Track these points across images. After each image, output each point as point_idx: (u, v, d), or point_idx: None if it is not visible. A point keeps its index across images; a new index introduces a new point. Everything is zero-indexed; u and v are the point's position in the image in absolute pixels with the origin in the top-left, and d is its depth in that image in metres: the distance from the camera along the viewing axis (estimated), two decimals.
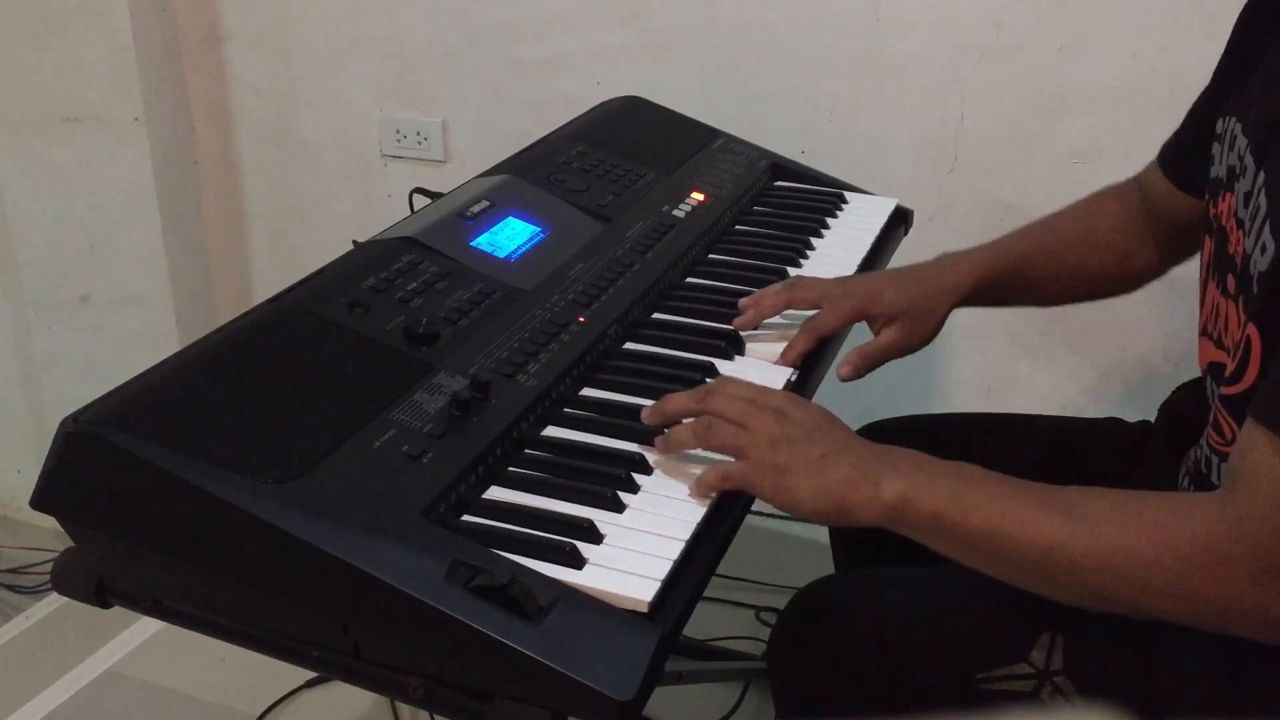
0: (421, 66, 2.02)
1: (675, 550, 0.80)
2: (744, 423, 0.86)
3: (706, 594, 0.84)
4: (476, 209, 1.17)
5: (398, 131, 2.06)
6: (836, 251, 1.32)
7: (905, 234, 1.46)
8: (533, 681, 0.70)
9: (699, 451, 0.89)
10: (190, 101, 2.17)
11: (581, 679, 0.69)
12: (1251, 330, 0.83)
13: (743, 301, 1.12)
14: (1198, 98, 1.11)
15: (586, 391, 1.00)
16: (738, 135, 1.56)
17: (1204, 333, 0.98)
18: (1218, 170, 0.97)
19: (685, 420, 0.90)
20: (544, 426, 0.94)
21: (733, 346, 1.08)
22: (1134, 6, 1.59)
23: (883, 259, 1.37)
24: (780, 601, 1.15)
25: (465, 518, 0.83)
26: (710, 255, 1.29)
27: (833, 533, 1.28)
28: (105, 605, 0.88)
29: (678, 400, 0.91)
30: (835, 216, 1.42)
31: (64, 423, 0.80)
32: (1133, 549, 0.77)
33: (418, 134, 2.05)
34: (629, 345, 1.09)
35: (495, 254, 1.12)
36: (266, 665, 0.86)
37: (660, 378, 1.02)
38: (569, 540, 0.79)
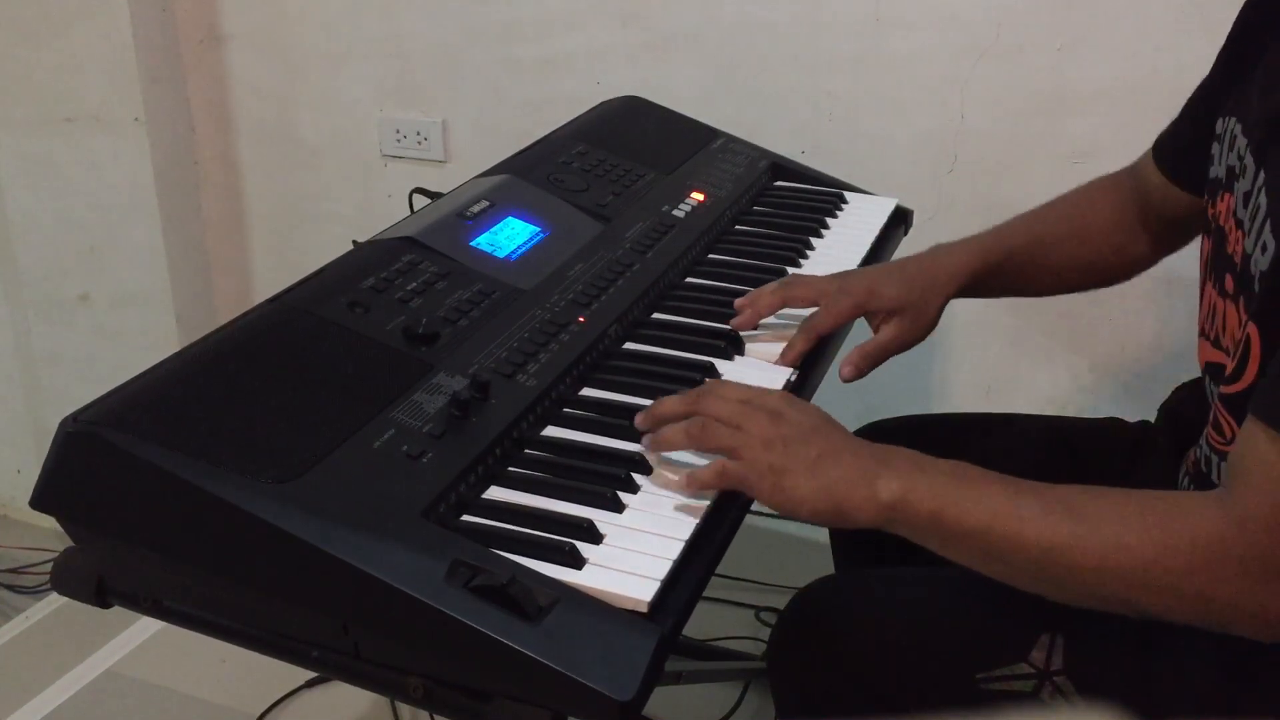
0: (421, 66, 2.02)
1: (675, 550, 0.80)
2: (738, 423, 0.85)
3: (706, 594, 0.84)
4: (476, 209, 1.17)
5: (398, 131, 2.06)
6: (836, 251, 1.32)
7: (905, 234, 1.46)
8: (533, 681, 0.70)
9: (695, 457, 0.89)
10: (190, 101, 2.17)
11: (581, 679, 0.69)
12: (1251, 329, 0.83)
13: (739, 302, 1.11)
14: (1195, 91, 1.11)
15: (586, 391, 1.00)
16: (738, 135, 1.56)
17: (1202, 333, 0.98)
18: (1217, 171, 0.97)
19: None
20: (544, 426, 0.94)
21: (732, 346, 1.08)
22: (1134, 6, 1.59)
23: (883, 259, 1.37)
24: (780, 601, 1.15)
25: (465, 518, 0.83)
26: (710, 255, 1.29)
27: (833, 533, 1.28)
28: (105, 605, 0.88)
29: (670, 403, 0.90)
30: (835, 216, 1.42)
31: (64, 423, 0.80)
32: (1133, 548, 0.77)
33: (418, 134, 2.05)
34: (629, 345, 1.09)
35: (495, 254, 1.12)
36: (266, 665, 0.86)
37: (660, 378, 1.02)
38: (569, 540, 0.79)
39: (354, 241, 1.12)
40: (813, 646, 1.01)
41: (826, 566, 1.24)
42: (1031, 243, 1.19)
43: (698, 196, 1.36)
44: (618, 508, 0.84)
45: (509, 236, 1.15)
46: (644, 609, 0.75)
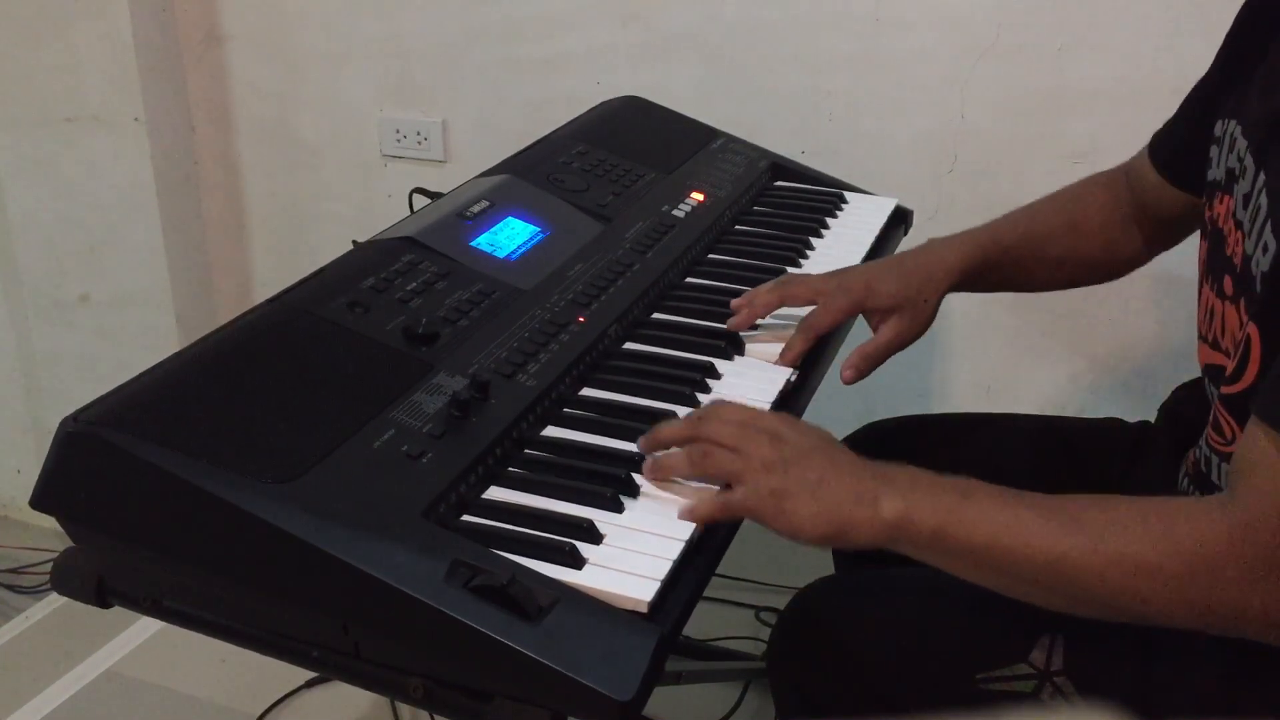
0: (421, 66, 2.02)
1: (675, 550, 0.80)
2: (738, 447, 0.85)
3: (706, 594, 0.84)
4: (476, 209, 1.17)
5: (398, 131, 2.06)
6: (836, 252, 1.32)
7: (905, 234, 1.46)
8: (533, 681, 0.70)
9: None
10: (190, 101, 2.17)
11: (581, 679, 0.69)
12: (1252, 329, 0.83)
13: (735, 302, 1.11)
14: (1192, 90, 1.11)
15: (586, 391, 1.00)
16: (738, 135, 1.56)
17: (1201, 335, 0.98)
18: (1215, 173, 0.97)
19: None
20: (544, 426, 0.94)
21: (732, 347, 1.08)
22: (1134, 7, 1.59)
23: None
24: (780, 601, 1.15)
25: (465, 518, 0.83)
26: (710, 255, 1.29)
27: None
28: (105, 605, 0.88)
29: (670, 429, 0.89)
30: (835, 216, 1.42)
31: (64, 423, 0.80)
32: (1137, 556, 0.77)
33: (418, 134, 2.05)
34: (629, 345, 1.09)
35: (495, 254, 1.12)
36: (266, 665, 0.86)
37: (660, 378, 1.02)
38: (569, 540, 0.79)
39: (354, 241, 1.12)
40: (813, 646, 1.01)
41: (826, 566, 1.24)
42: (1026, 238, 1.19)
43: (698, 196, 1.36)
44: (618, 508, 0.84)
45: (509, 236, 1.15)
46: (644, 609, 0.75)
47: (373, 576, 0.72)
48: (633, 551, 0.80)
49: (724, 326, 1.10)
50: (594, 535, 0.81)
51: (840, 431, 1.25)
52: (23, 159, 2.14)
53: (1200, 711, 0.86)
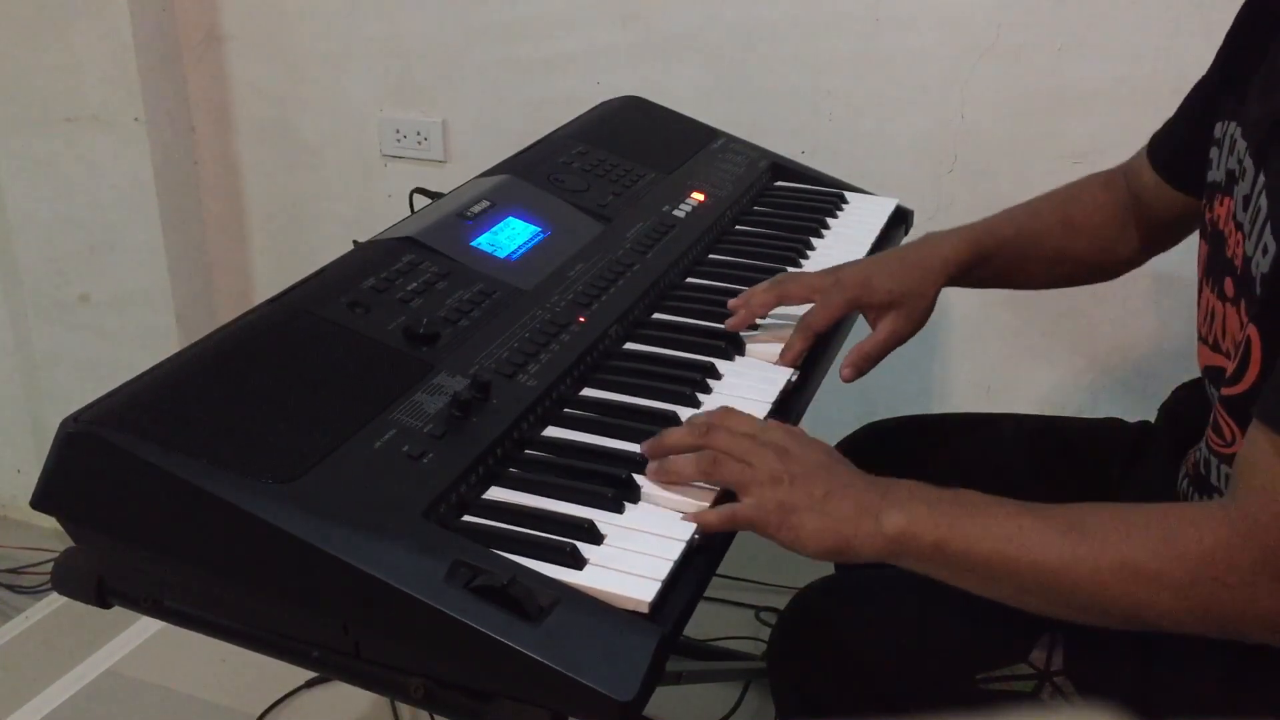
0: (421, 66, 2.02)
1: (676, 550, 0.80)
2: (747, 459, 0.85)
3: (706, 594, 0.84)
4: (476, 209, 1.17)
5: (398, 131, 2.06)
6: (837, 252, 1.32)
7: (905, 234, 1.46)
8: (533, 681, 0.70)
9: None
10: (190, 101, 2.17)
11: (582, 679, 0.69)
12: (1251, 331, 0.83)
13: (732, 302, 1.11)
14: (1191, 92, 1.11)
15: (587, 392, 1.00)
16: (738, 135, 1.56)
17: (1200, 337, 0.98)
18: (1215, 175, 0.97)
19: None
20: (544, 427, 0.94)
21: (733, 347, 1.08)
22: (1134, 7, 1.59)
23: None
24: (780, 601, 1.15)
25: (465, 518, 0.83)
26: (710, 255, 1.29)
27: None
28: (105, 605, 0.88)
29: (678, 435, 0.89)
30: (835, 216, 1.42)
31: (64, 423, 0.80)
32: (1138, 564, 0.77)
33: (418, 134, 2.05)
34: (629, 345, 1.09)
35: (495, 254, 1.12)
36: (266, 665, 0.86)
37: (660, 378, 1.02)
38: (569, 540, 0.79)
39: (354, 241, 1.12)
40: (813, 646, 1.01)
41: (826, 566, 1.24)
42: (1022, 233, 1.18)
43: (698, 196, 1.36)
44: (618, 508, 0.84)
45: (509, 236, 1.15)
46: (645, 609, 0.75)
47: (373, 576, 0.72)
48: (633, 552, 0.80)
49: (724, 327, 1.10)
50: (595, 536, 0.81)
51: (840, 431, 1.26)
52: (23, 159, 2.14)
53: (1200, 711, 0.86)
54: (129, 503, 0.79)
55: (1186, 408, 1.08)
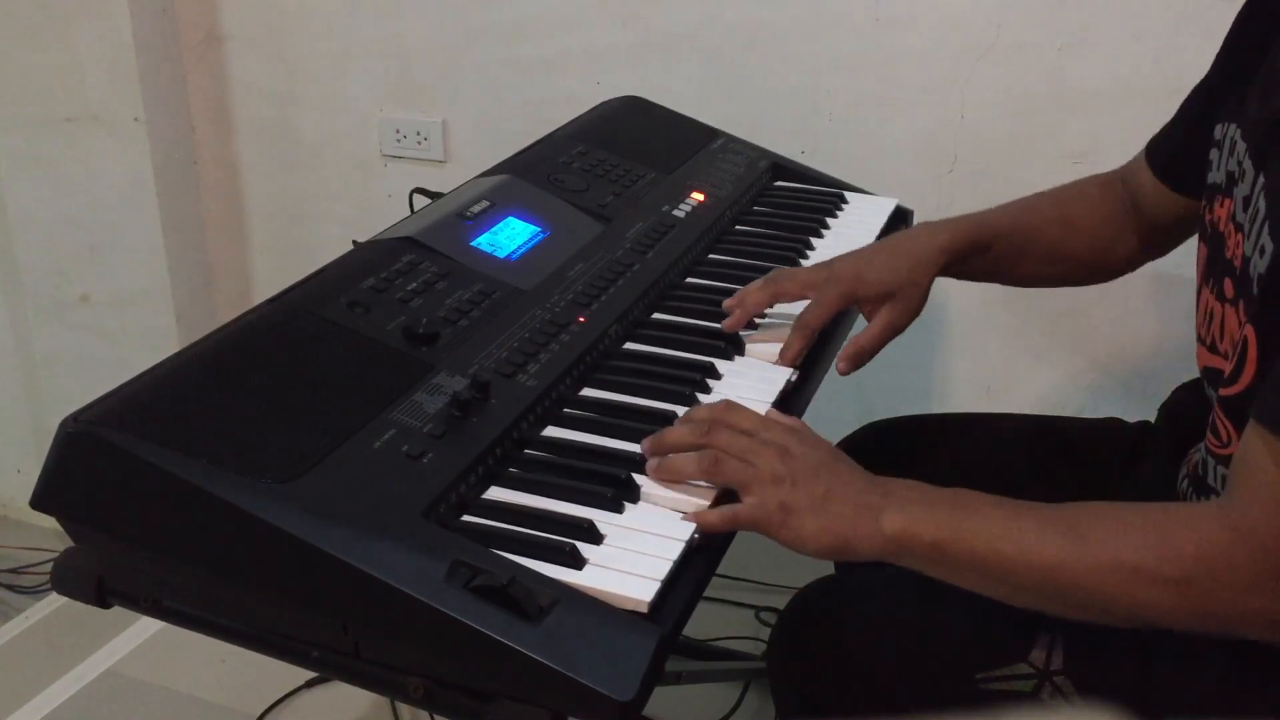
0: (421, 66, 2.02)
1: (675, 550, 0.80)
2: (748, 459, 0.85)
3: (706, 594, 0.84)
4: (476, 209, 1.17)
5: (398, 131, 2.06)
6: (836, 252, 1.30)
7: None
8: (533, 681, 0.70)
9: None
10: (190, 101, 2.17)
11: (581, 679, 0.69)
12: (1249, 331, 0.83)
13: (727, 302, 1.11)
14: (1190, 95, 1.10)
15: (586, 391, 1.00)
16: (738, 135, 1.56)
17: (1199, 338, 0.98)
18: (1215, 176, 0.97)
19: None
20: (544, 427, 0.94)
21: (732, 346, 1.08)
22: (1134, 7, 1.59)
23: None
24: (780, 601, 1.15)
25: (465, 518, 0.83)
26: (710, 255, 1.29)
27: None
28: (105, 605, 0.88)
29: (678, 434, 0.89)
30: (835, 216, 1.42)
31: (64, 423, 0.80)
32: (1135, 563, 0.77)
33: (418, 134, 2.05)
34: (629, 345, 1.09)
35: (495, 254, 1.12)
36: (266, 665, 0.86)
37: (660, 378, 1.02)
38: (569, 540, 0.79)
39: (354, 241, 1.12)
40: (813, 646, 1.01)
41: (826, 566, 1.24)
42: (1017, 226, 1.18)
43: (698, 196, 1.36)
44: (618, 508, 0.84)
45: (509, 236, 1.15)
46: (644, 609, 0.75)
47: (373, 576, 0.72)
48: (633, 552, 0.80)
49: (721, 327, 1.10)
50: (594, 535, 0.81)
51: (840, 431, 1.26)
52: (23, 159, 2.14)
53: (1200, 711, 0.86)
54: (129, 503, 0.79)
55: (1186, 408, 1.08)
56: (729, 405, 0.91)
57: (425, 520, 0.78)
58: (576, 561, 0.78)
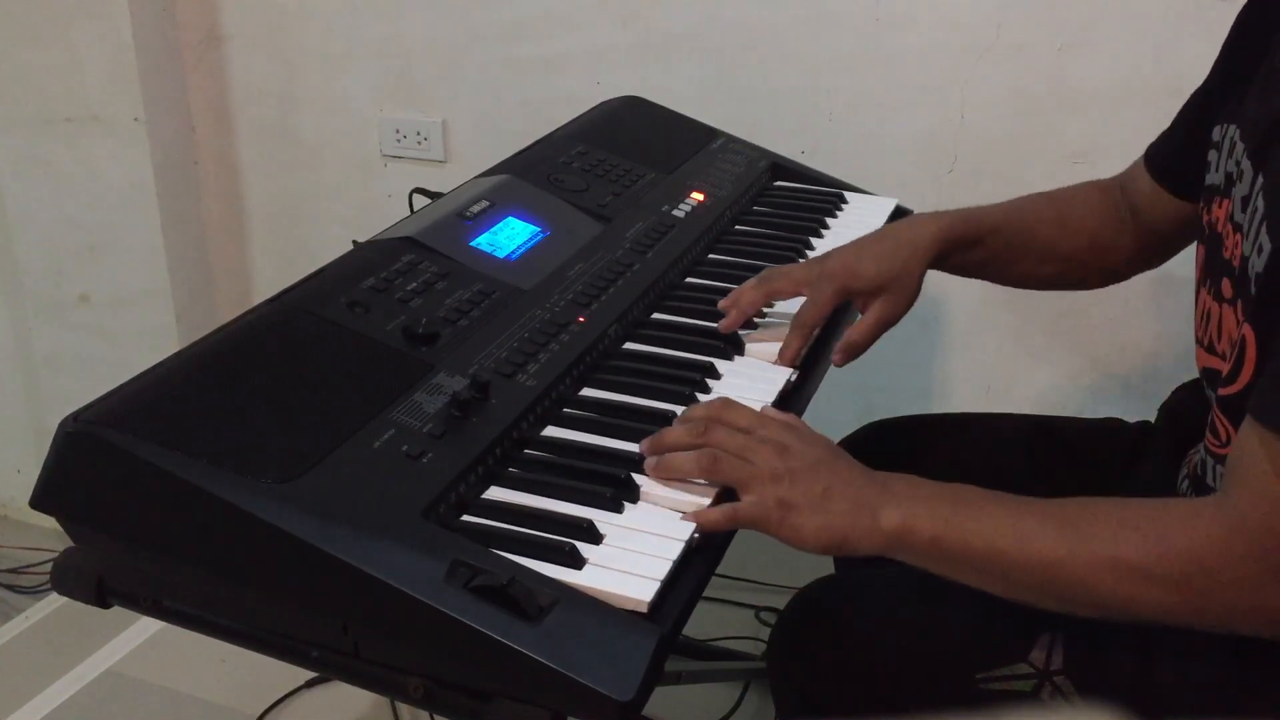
0: (421, 66, 2.02)
1: (675, 550, 0.80)
2: (746, 456, 0.85)
3: (706, 594, 0.84)
4: (476, 209, 1.17)
5: (398, 131, 2.06)
6: None
7: None
8: (533, 681, 0.70)
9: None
10: (190, 101, 2.17)
11: (581, 679, 0.69)
12: (1247, 330, 0.83)
13: (722, 303, 1.10)
14: (1189, 99, 1.10)
15: (586, 391, 1.00)
16: (738, 135, 1.56)
17: (1198, 339, 0.98)
18: (1214, 177, 0.97)
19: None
20: (544, 426, 0.94)
21: (732, 346, 1.08)
22: (1134, 7, 1.59)
23: None
24: (780, 601, 1.15)
25: (465, 518, 0.83)
26: (710, 255, 1.29)
27: None
28: (105, 605, 0.88)
29: (676, 433, 0.89)
30: (835, 216, 1.42)
31: (64, 423, 0.80)
32: (1131, 560, 0.77)
33: (418, 134, 2.05)
34: (629, 345, 1.09)
35: (495, 254, 1.12)
36: (266, 665, 0.86)
37: (660, 378, 1.02)
38: (569, 540, 0.79)
39: (354, 241, 1.12)
40: (813, 646, 1.01)
41: (826, 566, 1.24)
42: (1011, 223, 1.18)
43: (698, 196, 1.36)
44: (618, 508, 0.84)
45: (509, 236, 1.15)
46: (644, 609, 0.75)
47: (373, 576, 0.72)
48: (633, 551, 0.80)
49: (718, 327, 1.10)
50: (594, 535, 0.81)
51: (840, 431, 1.26)
52: (23, 159, 2.14)
53: (1200, 711, 0.87)
54: (129, 503, 0.79)
55: (1186, 408, 1.08)
56: (726, 403, 0.91)
57: (425, 520, 0.78)
58: (576, 561, 0.78)
